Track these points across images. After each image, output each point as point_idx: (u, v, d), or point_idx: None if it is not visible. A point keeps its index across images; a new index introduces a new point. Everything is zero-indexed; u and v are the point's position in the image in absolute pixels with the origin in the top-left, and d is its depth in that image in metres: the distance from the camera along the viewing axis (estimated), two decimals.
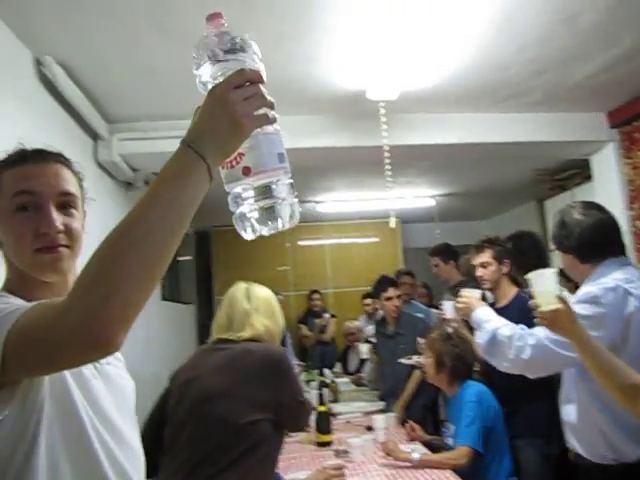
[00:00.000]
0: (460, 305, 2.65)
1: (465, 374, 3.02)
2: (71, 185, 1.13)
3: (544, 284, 1.78)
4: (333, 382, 4.88)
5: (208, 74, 0.91)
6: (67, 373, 0.99)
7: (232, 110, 0.83)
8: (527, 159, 5.32)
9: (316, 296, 7.01)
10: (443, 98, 3.83)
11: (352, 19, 2.76)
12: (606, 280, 1.99)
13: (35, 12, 2.53)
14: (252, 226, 0.92)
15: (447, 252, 4.71)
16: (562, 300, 1.72)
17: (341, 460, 2.68)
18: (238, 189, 0.91)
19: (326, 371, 5.43)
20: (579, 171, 5.61)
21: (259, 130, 0.88)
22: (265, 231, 0.92)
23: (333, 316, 6.85)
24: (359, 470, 2.77)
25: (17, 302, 0.97)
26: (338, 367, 6.34)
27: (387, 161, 3.54)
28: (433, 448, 3.12)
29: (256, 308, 2.13)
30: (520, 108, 4.15)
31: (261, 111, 0.86)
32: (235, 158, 0.89)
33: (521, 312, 2.59)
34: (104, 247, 0.77)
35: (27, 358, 0.84)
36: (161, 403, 2.18)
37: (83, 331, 0.75)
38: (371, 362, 5.07)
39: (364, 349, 5.11)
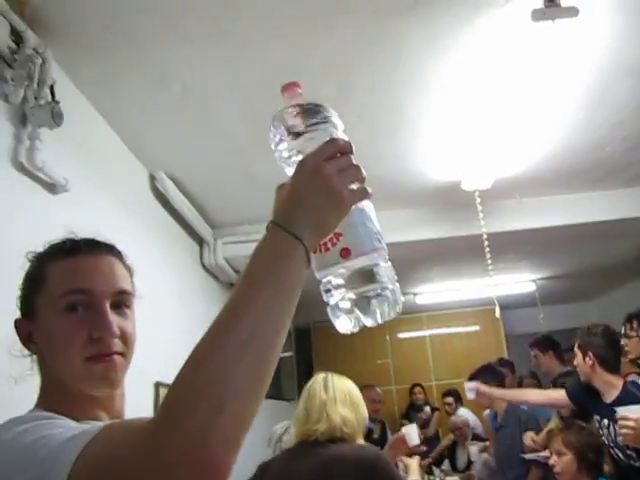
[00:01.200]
0: (625, 432, 2.18)
1: (601, 469, 2.74)
2: (126, 282, 0.99)
3: None
4: None
5: (291, 148, 0.82)
6: None
7: (330, 183, 0.73)
8: (631, 235, 5.10)
9: (418, 389, 6.84)
10: (537, 182, 3.82)
11: (442, 112, 2.84)
12: None
13: (148, 129, 2.80)
14: (355, 317, 0.81)
15: (545, 343, 4.47)
16: None
17: None
18: (335, 275, 0.81)
19: (435, 468, 5.19)
20: None
21: (356, 206, 0.78)
22: (370, 322, 0.81)
23: (436, 409, 6.61)
24: None
25: (70, 424, 0.80)
26: (446, 464, 6.05)
27: (487, 250, 3.50)
28: None
29: (333, 398, 2.06)
30: (618, 184, 4.07)
31: (358, 184, 0.77)
32: (331, 239, 0.79)
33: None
34: (200, 359, 0.64)
35: None
36: None
37: (189, 461, 0.60)
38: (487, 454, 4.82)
39: (474, 450, 4.85)
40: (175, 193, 3.26)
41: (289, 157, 0.82)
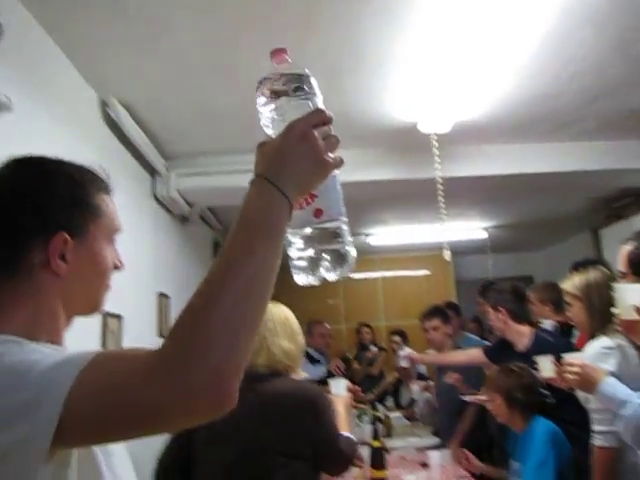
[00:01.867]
0: (572, 377, 2.15)
1: (537, 407, 2.88)
2: None
3: (630, 297, 1.84)
4: (387, 417, 4.82)
5: (279, 112, 0.89)
6: (97, 449, 0.87)
7: (316, 149, 0.83)
8: (582, 188, 5.24)
9: (365, 329, 6.96)
10: (494, 129, 3.84)
11: (404, 52, 2.82)
12: None
13: (101, 55, 2.69)
14: (316, 271, 0.90)
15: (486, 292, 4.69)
16: None
17: None
18: (306, 232, 0.89)
19: (378, 405, 5.37)
20: (636, 199, 5.49)
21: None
22: (329, 277, 0.90)
23: (382, 349, 6.81)
24: None
25: (44, 349, 0.81)
26: (390, 401, 6.27)
27: (440, 193, 3.54)
28: None
29: (273, 329, 2.04)
30: (574, 137, 4.12)
31: (337, 153, 0.87)
32: (306, 199, 0.88)
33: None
34: (214, 299, 0.72)
35: (104, 422, 0.72)
36: (184, 439, 2.03)
37: (209, 391, 0.69)
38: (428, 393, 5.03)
39: (415, 388, 5.04)
40: (127, 120, 3.17)
41: (272, 119, 0.89)
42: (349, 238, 0.91)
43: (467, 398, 3.66)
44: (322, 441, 1.90)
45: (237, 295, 0.72)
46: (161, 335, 3.92)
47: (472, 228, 6.84)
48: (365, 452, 3.34)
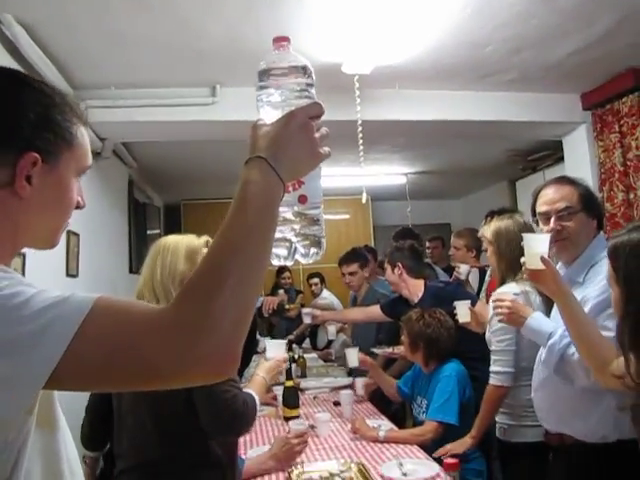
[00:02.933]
0: (500, 312, 2.21)
1: (441, 357, 3.03)
2: None
3: (536, 246, 1.92)
4: (301, 357, 4.90)
5: (278, 97, 0.96)
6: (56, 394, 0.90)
7: (312, 140, 0.90)
8: (501, 139, 5.36)
9: (286, 274, 7.01)
10: (418, 75, 3.82)
11: None
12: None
13: None
14: (292, 252, 0.97)
15: (407, 235, 4.84)
16: (547, 262, 1.87)
17: (304, 427, 2.70)
18: (288, 215, 0.96)
19: (294, 346, 5.46)
20: (551, 152, 5.68)
21: None
22: (302, 259, 0.98)
23: (300, 292, 6.95)
24: (325, 445, 2.80)
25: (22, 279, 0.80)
26: (307, 343, 6.38)
27: (360, 136, 3.52)
28: (399, 423, 3.20)
29: (146, 262, 1.97)
30: (496, 87, 4.17)
31: (327, 147, 0.93)
32: (294, 184, 0.94)
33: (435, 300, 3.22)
34: (230, 269, 0.77)
35: (105, 371, 0.73)
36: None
37: (219, 358, 0.75)
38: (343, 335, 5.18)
39: (332, 330, 5.14)
40: (27, 42, 2.88)
41: (271, 103, 0.96)
42: (324, 227, 0.99)
43: (377, 351, 3.81)
44: (198, 394, 1.82)
45: (244, 271, 0.78)
46: (69, 274, 3.78)
47: (392, 174, 6.90)
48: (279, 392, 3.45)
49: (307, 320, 4.31)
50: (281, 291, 6.65)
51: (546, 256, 1.89)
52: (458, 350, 3.02)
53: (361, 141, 3.53)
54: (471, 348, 2.97)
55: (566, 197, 2.14)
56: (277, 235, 0.94)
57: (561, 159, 5.02)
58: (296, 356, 4.86)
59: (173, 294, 1.83)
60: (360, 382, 3.72)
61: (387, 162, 6.33)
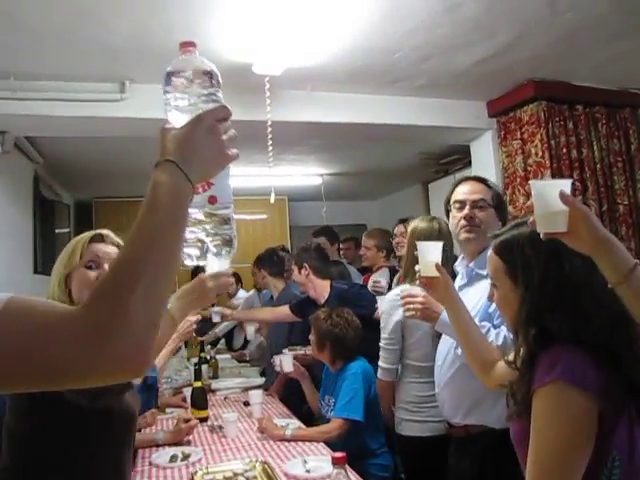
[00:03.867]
0: (413, 307, 2.20)
1: (347, 356, 3.11)
2: None
3: (430, 254, 1.97)
4: (213, 358, 4.89)
5: (186, 101, 0.99)
6: None
7: (220, 143, 0.94)
8: (413, 142, 5.49)
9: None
10: (330, 77, 3.87)
11: None
12: None
13: None
14: (203, 253, 1.00)
15: (327, 234, 5.05)
16: (440, 270, 1.93)
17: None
18: (198, 216, 0.99)
19: (207, 347, 5.43)
20: (461, 156, 5.89)
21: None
22: (218, 257, 1.01)
23: None
24: (232, 445, 2.82)
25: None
26: (222, 344, 6.36)
27: (269, 137, 3.55)
28: (311, 422, 3.26)
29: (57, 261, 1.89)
30: (407, 92, 4.27)
31: (235, 149, 0.97)
32: (203, 186, 0.98)
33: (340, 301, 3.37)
34: (140, 272, 0.79)
35: (15, 372, 0.74)
36: None
37: (132, 359, 0.76)
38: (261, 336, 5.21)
39: (250, 330, 5.15)
40: None
41: (179, 108, 1.00)
42: (235, 228, 1.02)
43: (289, 353, 3.84)
44: None
45: (156, 270, 0.80)
46: None
47: (308, 174, 6.97)
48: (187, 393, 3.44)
49: (216, 319, 4.30)
50: None
51: (440, 263, 1.96)
52: (368, 350, 3.10)
53: (270, 142, 3.55)
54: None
55: (482, 192, 2.31)
56: (189, 235, 0.99)
57: (470, 163, 5.20)
58: (208, 357, 4.85)
59: None
60: (287, 358, 3.58)
61: (303, 163, 6.37)
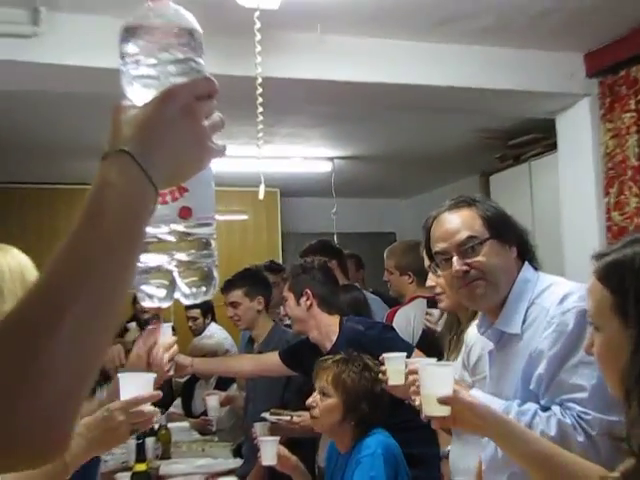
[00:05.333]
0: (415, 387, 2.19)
1: (363, 427, 3.06)
2: None
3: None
4: (164, 428, 4.82)
5: (153, 69, 0.98)
6: None
7: (201, 129, 0.92)
8: (470, 114, 5.47)
9: None
10: (350, 16, 3.84)
11: None
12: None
13: None
14: (171, 291, 1.01)
15: (325, 250, 5.11)
16: (452, 399, 1.87)
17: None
18: (164, 235, 0.98)
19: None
20: (541, 136, 5.83)
21: None
22: (190, 299, 1.02)
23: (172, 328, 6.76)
24: None
25: None
26: (177, 405, 6.28)
27: (259, 100, 3.47)
28: None
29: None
30: (462, 38, 4.24)
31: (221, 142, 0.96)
32: (172, 192, 0.98)
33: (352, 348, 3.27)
34: (56, 313, 0.75)
35: None
36: None
37: (39, 436, 0.74)
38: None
39: (213, 404, 5.05)
40: None
41: (142, 78, 0.99)
42: (216, 252, 1.03)
43: (270, 418, 3.80)
44: None
45: (89, 310, 0.77)
46: None
47: (312, 157, 6.97)
48: None
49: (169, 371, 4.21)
50: (133, 325, 6.61)
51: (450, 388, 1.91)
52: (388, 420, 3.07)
53: (261, 109, 3.46)
54: (406, 416, 2.97)
55: (466, 224, 2.26)
56: (149, 264, 0.98)
57: (554, 146, 5.15)
58: (156, 426, 4.74)
59: None
60: (269, 444, 3.41)
61: (305, 141, 6.35)
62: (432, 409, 1.92)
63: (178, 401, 6.32)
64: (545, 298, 1.98)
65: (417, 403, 2.08)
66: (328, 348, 3.54)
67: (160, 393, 2.18)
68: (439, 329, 3.78)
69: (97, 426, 1.86)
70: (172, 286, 1.00)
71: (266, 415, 3.81)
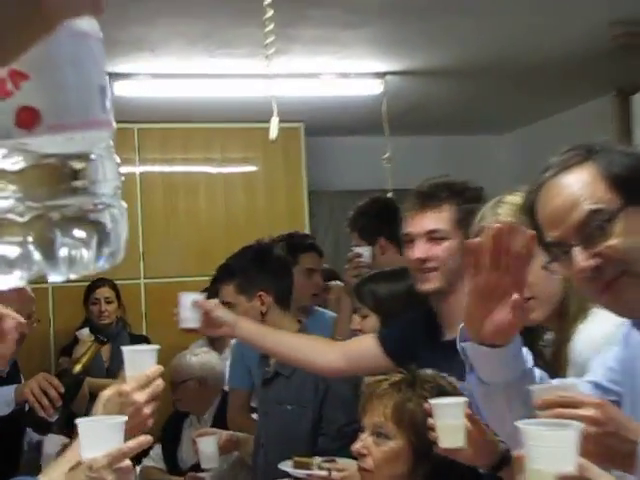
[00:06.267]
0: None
1: (459, 471, 3.08)
2: None
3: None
4: None
5: None
6: None
7: None
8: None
9: (104, 294, 7.18)
10: None
11: None
12: None
13: None
14: (29, 259, 0.92)
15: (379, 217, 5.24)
16: (584, 469, 1.85)
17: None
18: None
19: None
20: None
21: (70, 29, 0.89)
22: (55, 274, 0.94)
23: (146, 338, 7.08)
24: None
25: None
26: (157, 456, 6.28)
27: None
28: None
29: None
30: None
31: None
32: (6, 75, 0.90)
33: None
34: None
35: None
36: None
37: None
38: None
39: (208, 448, 5.05)
40: None
41: None
42: (116, 185, 1.00)
43: (296, 472, 3.92)
44: None
45: None
46: None
47: (354, 74, 6.98)
48: None
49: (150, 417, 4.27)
50: (85, 333, 6.81)
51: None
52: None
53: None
54: None
55: (584, 192, 2.27)
56: None
57: None
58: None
59: None
60: None
61: (340, 48, 6.32)
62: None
63: (158, 448, 6.31)
64: None
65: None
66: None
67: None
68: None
69: None
70: (26, 245, 0.90)
71: (287, 468, 3.82)
